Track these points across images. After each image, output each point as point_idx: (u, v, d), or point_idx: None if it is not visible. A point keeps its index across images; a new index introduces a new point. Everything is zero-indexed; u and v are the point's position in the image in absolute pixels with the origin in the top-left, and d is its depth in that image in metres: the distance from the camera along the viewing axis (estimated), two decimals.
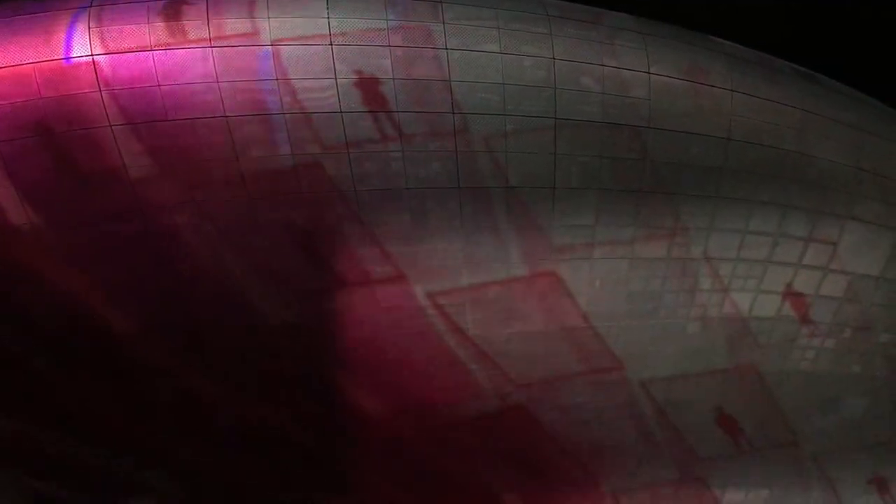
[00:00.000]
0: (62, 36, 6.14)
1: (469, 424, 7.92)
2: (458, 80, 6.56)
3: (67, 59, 6.14)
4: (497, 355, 7.58)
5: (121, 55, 6.17)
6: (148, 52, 6.18)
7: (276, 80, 6.31)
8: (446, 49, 6.52)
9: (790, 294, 7.84)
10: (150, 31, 6.19)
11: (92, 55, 6.13)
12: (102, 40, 6.15)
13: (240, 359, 7.21)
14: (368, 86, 6.46)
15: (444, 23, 6.52)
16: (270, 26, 6.28)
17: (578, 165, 7.01)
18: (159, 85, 6.21)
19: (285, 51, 6.30)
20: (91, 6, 6.21)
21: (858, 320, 8.08)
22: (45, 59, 6.11)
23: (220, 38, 6.24)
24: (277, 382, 7.46)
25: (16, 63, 6.10)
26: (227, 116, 6.34)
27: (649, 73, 6.90)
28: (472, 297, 7.30)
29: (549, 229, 7.16)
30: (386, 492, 8.75)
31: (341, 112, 6.46)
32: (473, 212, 6.95)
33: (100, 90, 6.15)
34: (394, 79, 6.47)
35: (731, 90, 7.12)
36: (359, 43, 6.39)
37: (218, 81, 6.27)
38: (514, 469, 8.38)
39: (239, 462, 8.33)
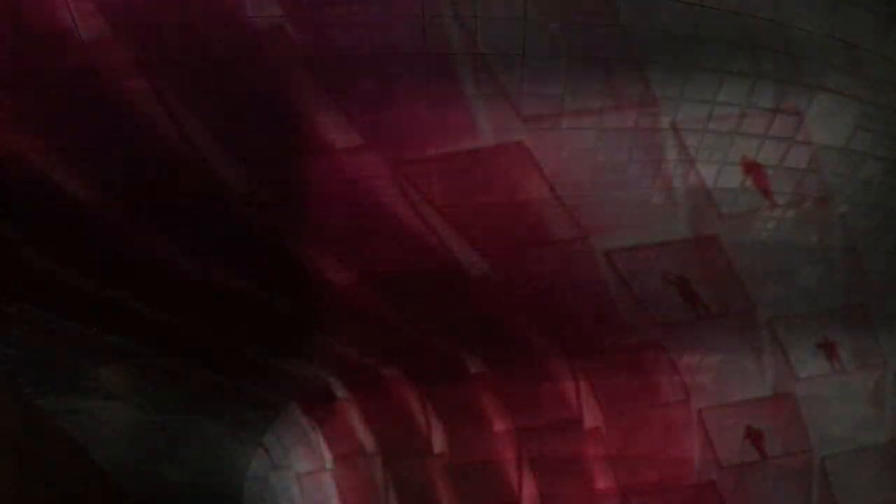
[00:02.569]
0: None
1: (434, 293, 8.08)
2: None
3: None
4: (463, 226, 7.63)
5: None
6: None
7: None
8: None
9: (754, 165, 7.90)
10: None
11: None
12: None
13: (204, 226, 7.19)
14: None
15: None
16: None
17: (549, 32, 6.84)
18: None
19: None
20: None
21: (819, 191, 8.20)
22: None
23: None
24: (244, 250, 7.49)
25: None
26: None
27: None
28: (439, 168, 7.26)
29: (517, 98, 7.05)
30: (351, 355, 9.04)
31: None
32: (440, 79, 6.81)
33: None
34: None
35: None
36: None
37: None
38: (478, 335, 8.63)
39: (204, 325, 8.49)
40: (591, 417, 8.91)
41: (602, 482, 8.89)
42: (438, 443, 9.42)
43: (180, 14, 6.11)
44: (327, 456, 10.15)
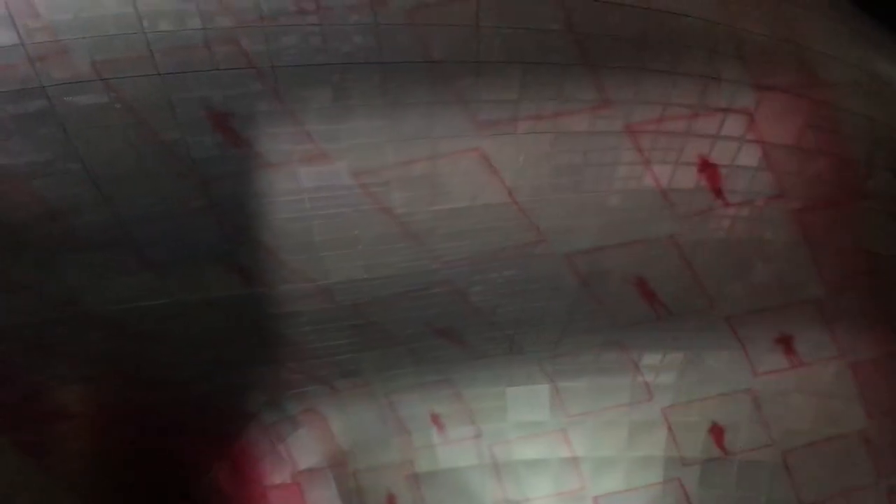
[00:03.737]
0: None
1: (396, 300, 8.07)
2: None
3: None
4: (423, 233, 7.64)
5: None
6: None
7: None
8: None
9: (708, 165, 8.02)
10: None
11: None
12: None
13: (159, 240, 7.11)
14: None
15: None
16: None
17: (502, 38, 6.88)
18: None
19: None
20: None
21: (771, 189, 8.35)
22: None
23: None
24: (198, 262, 7.41)
25: None
26: None
27: None
28: (398, 176, 7.26)
29: (474, 104, 7.09)
30: (313, 365, 8.99)
31: None
32: (397, 87, 6.82)
33: None
34: None
35: None
36: None
37: None
38: (443, 339, 8.64)
39: (159, 343, 8.38)
40: (556, 420, 8.98)
41: (568, 485, 8.95)
42: (399, 450, 9.43)
43: (127, 27, 6.04)
44: (295, 468, 10.08)
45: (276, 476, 10.25)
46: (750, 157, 8.11)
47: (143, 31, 6.09)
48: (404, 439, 9.42)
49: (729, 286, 8.63)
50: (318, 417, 9.76)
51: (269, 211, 7.14)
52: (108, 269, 7.27)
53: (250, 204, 7.06)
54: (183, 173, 6.71)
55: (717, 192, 8.16)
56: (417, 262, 7.80)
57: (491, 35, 6.82)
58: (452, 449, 9.27)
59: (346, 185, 7.16)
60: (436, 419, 9.30)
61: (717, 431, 8.90)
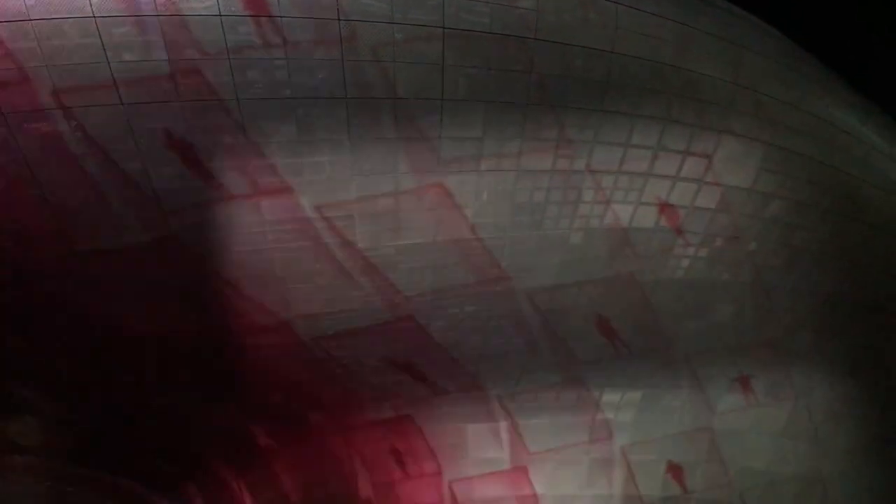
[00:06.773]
0: None
1: (357, 334, 8.03)
2: None
3: None
4: (386, 268, 7.64)
5: None
6: None
7: None
8: None
9: (667, 206, 8.15)
10: None
11: None
12: None
13: (117, 271, 7.00)
14: None
15: None
16: None
17: (466, 77, 6.97)
18: None
19: None
20: None
21: (729, 230, 8.50)
22: None
23: None
24: (159, 296, 7.31)
25: None
26: (95, 17, 5.96)
27: None
28: (361, 210, 7.28)
29: (437, 141, 7.15)
30: (269, 398, 8.86)
31: (220, 15, 6.18)
32: (361, 123, 6.86)
33: None
34: None
35: (616, 3, 7.18)
36: None
37: None
38: (404, 374, 8.59)
39: (119, 373, 8.23)
40: (516, 457, 8.93)
41: None
42: (366, 487, 9.32)
43: (91, 57, 6.03)
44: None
45: None
46: (709, 198, 8.27)
47: (107, 61, 6.08)
48: (365, 477, 9.31)
49: (688, 325, 8.73)
50: (278, 453, 9.62)
51: (230, 243, 7.10)
52: (66, 301, 7.15)
53: (211, 236, 7.01)
54: (143, 206, 6.66)
55: (677, 233, 8.29)
56: (379, 297, 7.78)
57: (455, 74, 6.91)
58: (413, 486, 9.17)
59: (309, 218, 7.16)
60: (396, 455, 9.20)
61: (675, 470, 8.93)
